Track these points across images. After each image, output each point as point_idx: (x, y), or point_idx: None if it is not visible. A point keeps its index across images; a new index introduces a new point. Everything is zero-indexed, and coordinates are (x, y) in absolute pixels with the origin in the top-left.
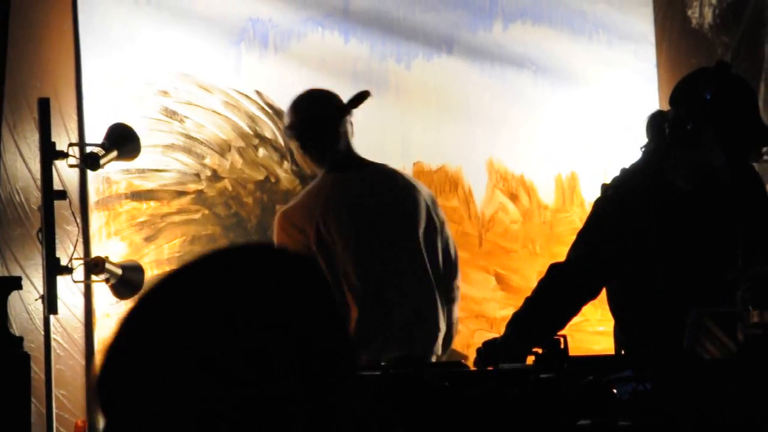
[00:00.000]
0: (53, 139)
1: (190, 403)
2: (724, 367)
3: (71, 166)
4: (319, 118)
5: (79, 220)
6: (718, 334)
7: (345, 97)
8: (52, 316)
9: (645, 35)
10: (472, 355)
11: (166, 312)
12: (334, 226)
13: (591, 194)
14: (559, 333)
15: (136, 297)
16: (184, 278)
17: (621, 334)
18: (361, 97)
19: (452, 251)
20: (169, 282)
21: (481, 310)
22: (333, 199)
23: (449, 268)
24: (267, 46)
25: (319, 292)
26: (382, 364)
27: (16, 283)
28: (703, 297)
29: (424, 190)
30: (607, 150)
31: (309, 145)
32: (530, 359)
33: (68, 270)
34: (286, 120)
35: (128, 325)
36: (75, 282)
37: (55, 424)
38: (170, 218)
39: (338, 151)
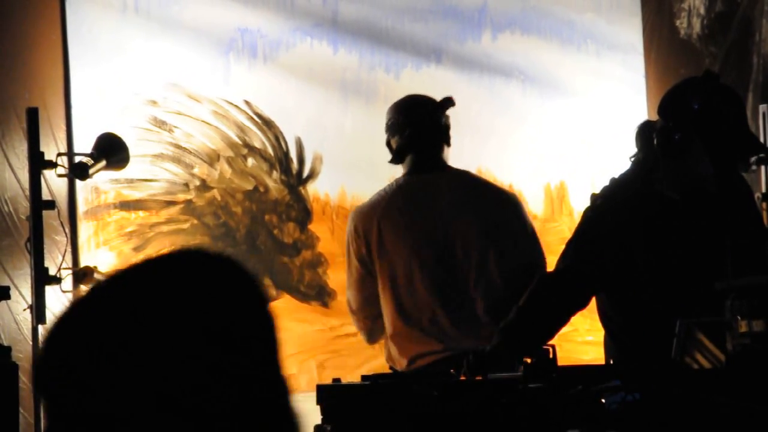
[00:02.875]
0: (42, 149)
1: (120, 410)
2: (712, 376)
3: (60, 175)
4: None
5: (67, 230)
6: (706, 343)
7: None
8: (40, 326)
9: (633, 45)
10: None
11: (100, 316)
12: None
13: (580, 204)
14: (548, 343)
15: (75, 299)
16: (115, 285)
17: (611, 343)
18: (446, 103)
19: (511, 263)
20: (102, 288)
21: None
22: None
23: (506, 280)
24: (256, 56)
25: (245, 294)
26: (371, 374)
27: (4, 293)
28: (692, 306)
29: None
30: (596, 159)
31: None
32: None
33: (57, 280)
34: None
35: (68, 324)
36: (63, 292)
37: None
38: (159, 228)
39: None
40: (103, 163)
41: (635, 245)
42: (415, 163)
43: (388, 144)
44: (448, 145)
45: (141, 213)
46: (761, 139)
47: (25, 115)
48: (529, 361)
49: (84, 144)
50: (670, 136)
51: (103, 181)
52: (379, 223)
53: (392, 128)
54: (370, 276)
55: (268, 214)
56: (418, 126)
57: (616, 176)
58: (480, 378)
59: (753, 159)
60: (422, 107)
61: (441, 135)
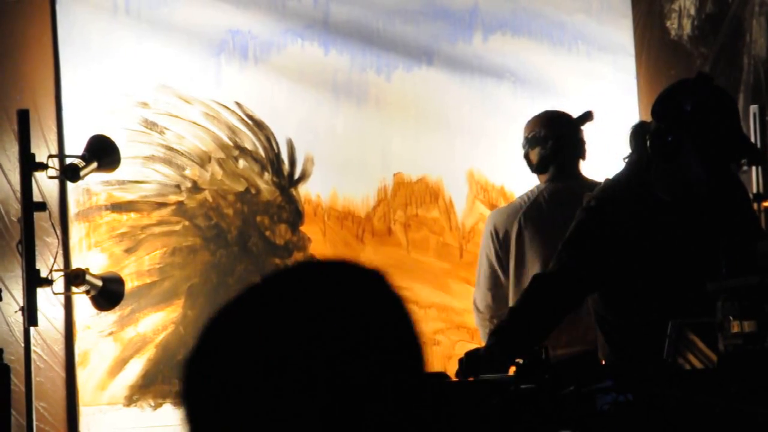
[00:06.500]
0: (33, 151)
1: (260, 405)
2: (704, 377)
3: (51, 177)
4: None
5: (59, 232)
6: (699, 344)
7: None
8: (32, 328)
9: (624, 46)
10: (454, 366)
11: (243, 322)
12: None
13: None
14: (541, 343)
15: (221, 306)
16: (260, 291)
17: (604, 344)
18: (586, 117)
19: None
20: (247, 294)
21: (462, 321)
22: (535, 205)
23: None
24: (247, 58)
25: (392, 306)
26: None
27: None
28: (684, 307)
29: None
30: (586, 161)
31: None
32: (512, 370)
33: (48, 282)
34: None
35: (210, 331)
36: (55, 294)
37: None
38: (150, 230)
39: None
40: (95, 164)
41: (629, 246)
42: (555, 172)
43: (527, 156)
44: (583, 158)
45: (132, 215)
46: (752, 140)
47: (15, 116)
48: (521, 361)
49: (75, 146)
50: (662, 138)
51: (94, 182)
52: (520, 224)
53: (533, 141)
54: (503, 277)
55: (260, 215)
56: (560, 139)
57: (610, 177)
58: (472, 379)
59: (744, 161)
60: (564, 121)
61: (579, 147)
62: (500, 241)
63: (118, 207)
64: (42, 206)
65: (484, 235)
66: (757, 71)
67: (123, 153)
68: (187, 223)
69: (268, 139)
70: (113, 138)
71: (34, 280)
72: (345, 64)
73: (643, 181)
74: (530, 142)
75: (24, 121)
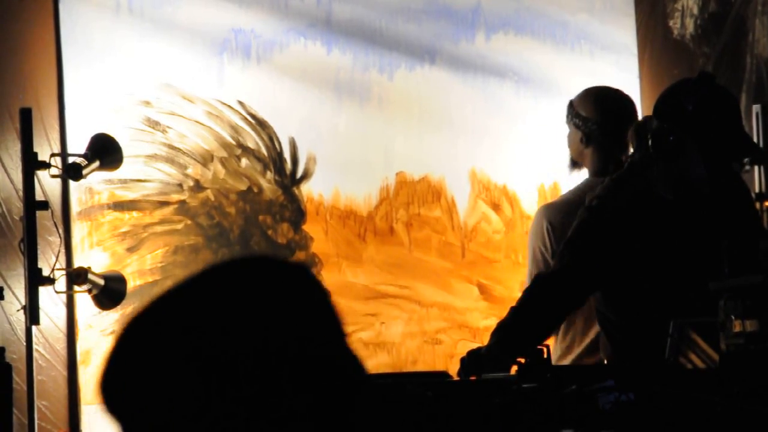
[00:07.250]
0: (35, 150)
1: (192, 410)
2: (706, 376)
3: (53, 176)
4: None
5: (61, 231)
6: (700, 343)
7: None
8: (34, 327)
9: (627, 46)
10: (455, 366)
11: (170, 321)
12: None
13: None
14: (543, 343)
15: (138, 308)
16: (187, 288)
17: (606, 343)
18: None
19: None
20: (172, 293)
21: (464, 320)
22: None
23: None
24: (249, 57)
25: (318, 300)
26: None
27: None
28: (686, 307)
29: None
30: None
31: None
32: (513, 369)
33: (50, 280)
34: (591, 109)
35: (130, 332)
36: (57, 292)
37: None
38: (153, 228)
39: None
40: (97, 163)
41: (631, 246)
42: (602, 166)
43: (583, 136)
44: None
45: (135, 213)
46: (754, 139)
47: (18, 115)
48: (523, 361)
49: (77, 144)
50: (664, 137)
51: (96, 181)
52: None
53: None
54: None
55: (262, 214)
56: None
57: (613, 176)
58: (474, 378)
59: (746, 160)
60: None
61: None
62: (557, 237)
63: (120, 206)
64: (44, 205)
65: (533, 231)
66: (759, 70)
67: (125, 152)
68: (189, 221)
69: (271, 138)
70: (116, 137)
71: (36, 279)
72: (347, 63)
73: (645, 180)
74: (594, 124)
75: (26, 120)
